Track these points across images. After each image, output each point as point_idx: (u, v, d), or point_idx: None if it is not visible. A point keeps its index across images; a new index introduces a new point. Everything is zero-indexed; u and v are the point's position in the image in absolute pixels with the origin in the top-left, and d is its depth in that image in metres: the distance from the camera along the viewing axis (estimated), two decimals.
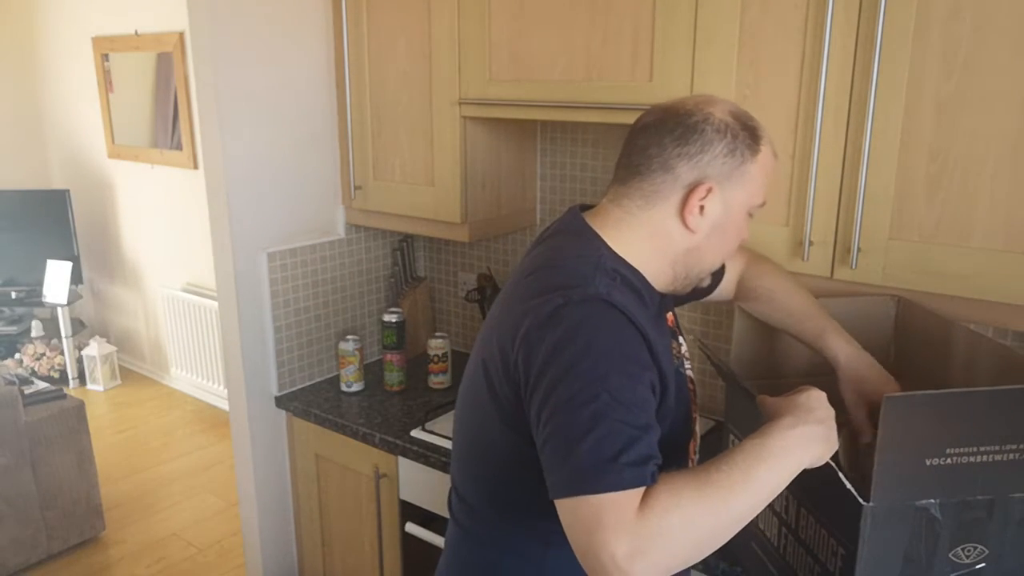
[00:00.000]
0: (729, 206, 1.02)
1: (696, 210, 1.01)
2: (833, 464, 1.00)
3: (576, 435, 0.87)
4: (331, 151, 2.16)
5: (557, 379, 0.90)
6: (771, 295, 1.32)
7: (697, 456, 1.19)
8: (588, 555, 0.83)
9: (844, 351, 1.23)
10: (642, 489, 0.85)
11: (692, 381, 1.20)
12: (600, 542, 0.82)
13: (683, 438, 1.13)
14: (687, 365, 1.19)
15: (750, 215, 1.07)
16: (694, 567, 1.43)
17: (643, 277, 1.04)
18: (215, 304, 3.86)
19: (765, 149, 1.04)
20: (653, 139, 1.03)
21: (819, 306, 1.30)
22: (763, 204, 1.07)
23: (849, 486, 0.99)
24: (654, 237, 1.04)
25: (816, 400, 0.98)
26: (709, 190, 1.00)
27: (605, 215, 1.07)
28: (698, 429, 1.21)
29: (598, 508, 0.83)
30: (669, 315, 1.18)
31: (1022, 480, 1.00)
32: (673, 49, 1.50)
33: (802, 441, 0.93)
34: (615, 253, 1.03)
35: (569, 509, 0.86)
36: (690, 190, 1.01)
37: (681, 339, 1.21)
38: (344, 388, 2.14)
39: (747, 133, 1.02)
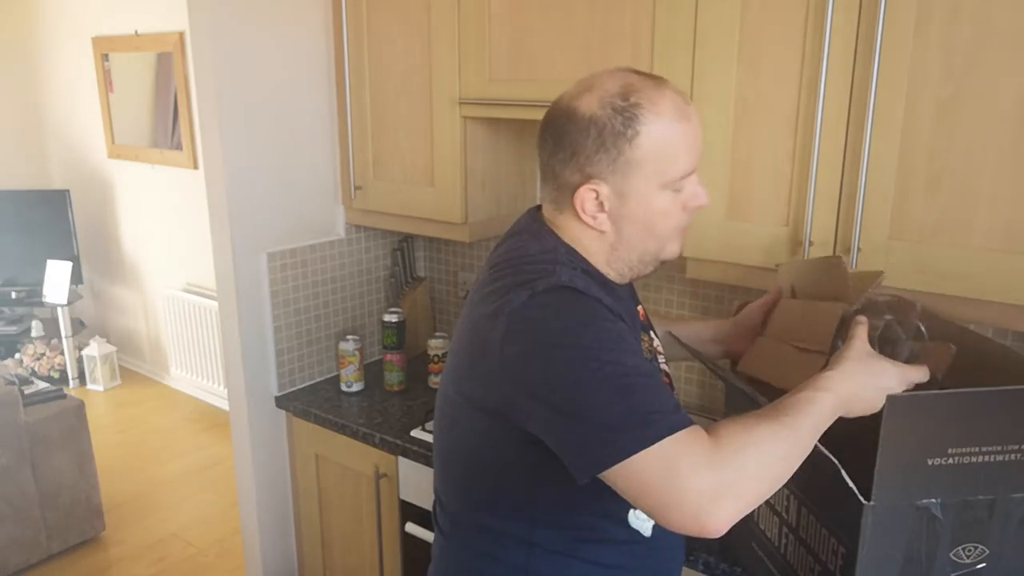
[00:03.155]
0: (627, 196, 0.99)
1: (589, 210, 1.00)
2: (836, 462, 1.00)
3: (602, 406, 0.87)
4: (331, 151, 2.16)
5: (553, 370, 0.90)
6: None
7: None
8: (670, 506, 0.83)
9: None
10: (697, 428, 0.87)
11: (668, 376, 1.18)
12: (680, 486, 0.82)
13: None
14: (661, 360, 1.17)
15: (676, 190, 1.00)
16: (692, 568, 1.44)
17: (599, 272, 1.05)
18: (215, 304, 3.86)
19: (650, 126, 0.96)
20: (540, 145, 1.04)
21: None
22: (689, 173, 1.00)
23: (851, 484, 0.99)
24: (579, 240, 1.04)
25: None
26: (593, 191, 0.98)
27: (547, 217, 1.08)
28: None
29: (667, 454, 0.83)
30: (640, 309, 1.18)
31: (1023, 480, 1.00)
32: (673, 49, 1.50)
33: (857, 389, 0.96)
34: (572, 248, 1.04)
35: (631, 472, 0.85)
36: (574, 193, 1.00)
37: (653, 334, 1.20)
38: (344, 388, 2.14)
39: (619, 119, 0.95)
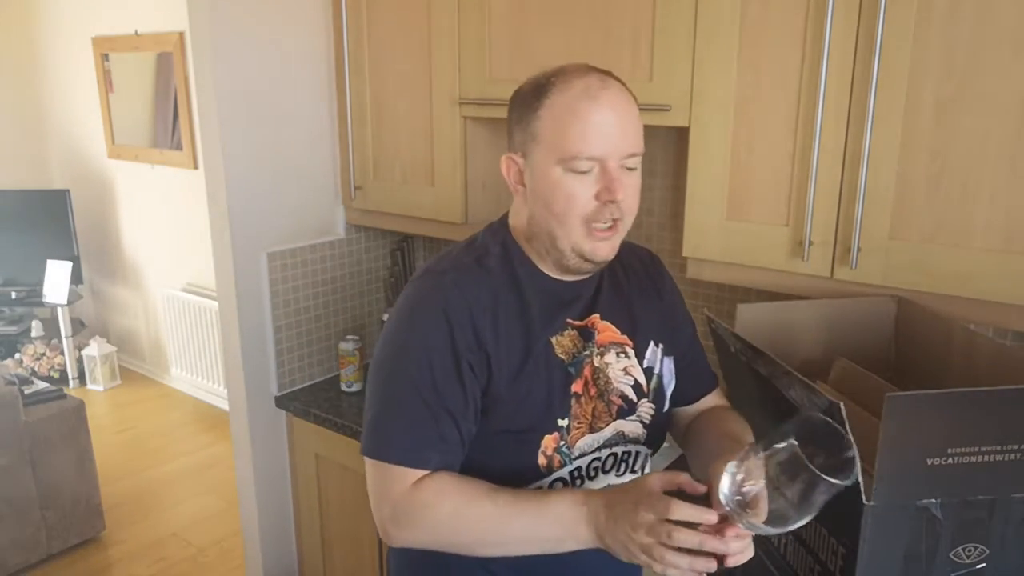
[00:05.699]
0: (533, 169, 1.02)
1: (513, 179, 1.06)
2: (852, 441, 0.96)
3: (380, 407, 1.02)
4: (331, 151, 2.16)
5: (376, 349, 1.06)
6: (706, 415, 1.23)
7: (572, 457, 1.06)
8: (372, 507, 1.03)
9: None
10: (420, 472, 0.99)
11: (620, 396, 1.10)
12: (377, 502, 1.02)
13: (530, 424, 1.04)
14: (614, 373, 1.10)
15: (577, 171, 0.97)
16: None
17: (531, 262, 1.08)
18: (215, 304, 3.86)
19: (552, 99, 0.98)
20: None
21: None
22: (593, 157, 0.97)
23: (860, 478, 0.99)
24: (515, 215, 1.10)
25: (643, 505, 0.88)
26: (513, 160, 1.05)
27: None
28: (601, 435, 1.09)
29: (382, 474, 1.01)
30: (594, 318, 1.10)
31: (1023, 480, 1.00)
32: (673, 49, 1.50)
33: (584, 520, 0.93)
34: (511, 242, 1.09)
35: (368, 467, 1.03)
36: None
37: (608, 354, 1.10)
38: (344, 388, 2.14)
39: (532, 94, 1.02)
